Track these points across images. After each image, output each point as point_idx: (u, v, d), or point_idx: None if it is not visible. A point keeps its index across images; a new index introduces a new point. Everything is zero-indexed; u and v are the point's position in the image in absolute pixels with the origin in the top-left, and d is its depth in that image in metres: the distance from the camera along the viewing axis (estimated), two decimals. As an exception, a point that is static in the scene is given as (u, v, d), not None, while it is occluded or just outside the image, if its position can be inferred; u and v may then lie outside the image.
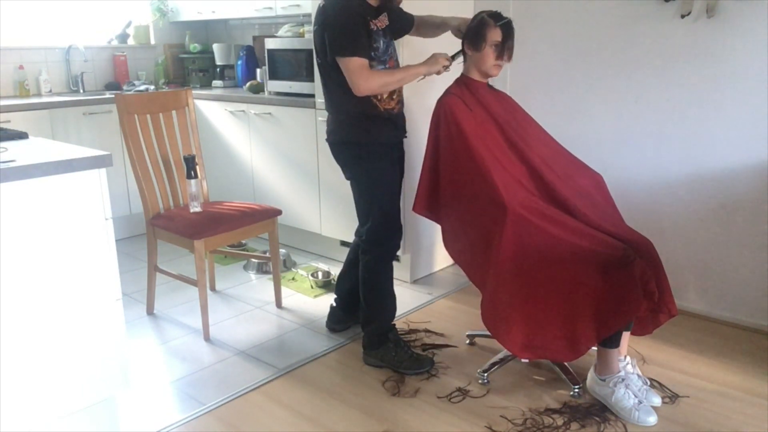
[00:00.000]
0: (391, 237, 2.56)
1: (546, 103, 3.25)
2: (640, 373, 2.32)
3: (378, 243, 2.54)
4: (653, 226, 2.95)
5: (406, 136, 2.66)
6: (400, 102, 2.55)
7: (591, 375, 2.32)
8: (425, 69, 2.41)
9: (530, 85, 3.31)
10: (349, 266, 2.80)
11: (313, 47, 3.41)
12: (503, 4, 3.24)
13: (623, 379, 2.24)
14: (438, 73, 2.44)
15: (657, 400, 2.26)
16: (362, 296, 2.60)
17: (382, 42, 2.41)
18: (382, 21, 2.44)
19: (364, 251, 2.57)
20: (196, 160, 2.93)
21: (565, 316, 2.15)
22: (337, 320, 2.87)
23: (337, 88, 2.40)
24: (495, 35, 2.33)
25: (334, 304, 2.88)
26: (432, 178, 2.48)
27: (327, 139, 2.58)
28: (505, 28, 2.34)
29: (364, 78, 2.28)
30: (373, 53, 2.37)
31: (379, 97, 2.42)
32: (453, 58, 2.45)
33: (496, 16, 2.36)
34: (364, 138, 2.46)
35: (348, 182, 2.63)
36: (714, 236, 2.87)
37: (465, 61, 2.46)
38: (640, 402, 2.20)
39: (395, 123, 2.53)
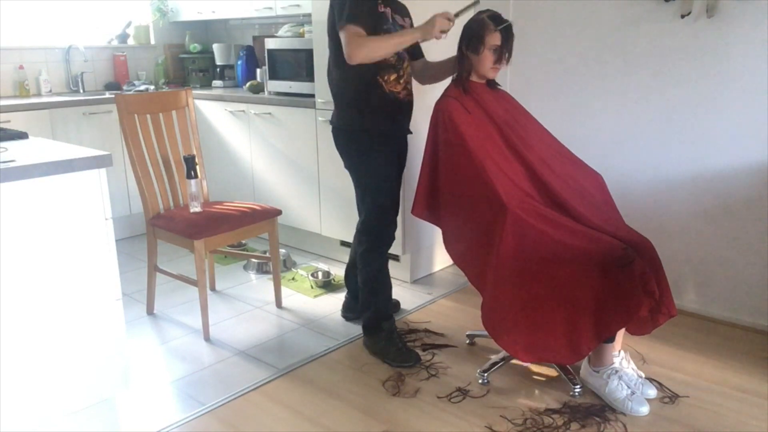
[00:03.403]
0: (384, 228, 2.61)
1: (546, 103, 3.25)
2: (634, 367, 2.35)
3: (371, 234, 2.61)
4: (653, 226, 2.96)
5: (410, 132, 2.66)
6: (407, 89, 2.54)
7: (584, 366, 2.35)
8: (420, 35, 2.30)
9: (530, 85, 3.31)
10: (354, 257, 2.87)
11: (313, 47, 3.47)
12: (503, 4, 3.24)
13: (617, 371, 2.27)
14: (437, 38, 2.29)
15: (652, 392, 2.29)
16: (359, 283, 2.70)
17: (393, 30, 2.41)
18: (406, 22, 2.51)
19: (359, 241, 2.66)
20: (196, 160, 2.93)
21: (565, 318, 2.15)
22: (349, 308, 2.99)
23: (343, 66, 2.38)
24: (494, 39, 2.32)
25: (347, 295, 2.99)
26: (431, 181, 2.48)
27: (330, 121, 2.63)
28: (505, 33, 2.33)
29: (356, 44, 2.23)
30: (385, 28, 2.38)
31: (385, 77, 2.43)
32: (457, 14, 2.33)
33: (496, 19, 2.33)
34: (361, 124, 2.48)
35: (348, 177, 2.66)
36: (714, 236, 2.87)
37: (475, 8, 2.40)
38: (632, 393, 2.24)
39: (400, 109, 2.53)
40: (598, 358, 2.30)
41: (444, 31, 2.29)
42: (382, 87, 2.44)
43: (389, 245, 2.67)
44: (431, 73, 2.65)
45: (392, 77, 2.45)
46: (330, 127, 2.65)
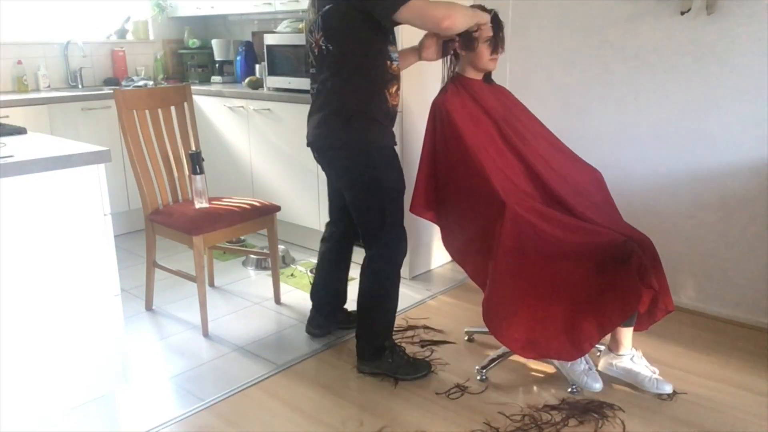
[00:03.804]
0: (402, 251, 2.42)
1: (545, 100, 3.24)
2: (647, 363, 2.36)
3: (390, 260, 2.39)
4: (652, 223, 2.96)
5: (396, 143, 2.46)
6: (399, 100, 2.36)
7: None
8: (483, 19, 2.24)
9: (530, 82, 3.31)
10: (324, 270, 2.70)
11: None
12: (503, 3, 3.24)
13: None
14: (476, 32, 2.26)
15: (668, 388, 2.29)
16: (363, 311, 2.46)
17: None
18: None
19: (375, 271, 2.40)
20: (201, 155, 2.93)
21: (566, 313, 2.15)
22: (317, 325, 2.76)
23: (350, 79, 2.18)
24: (486, 32, 2.33)
25: (313, 311, 2.77)
26: (430, 179, 2.48)
27: (317, 144, 2.33)
28: (495, 23, 2.34)
29: (447, 8, 2.02)
30: (391, 36, 2.24)
31: (390, 90, 2.24)
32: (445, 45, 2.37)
33: None
34: (371, 141, 2.25)
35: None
36: (713, 233, 2.87)
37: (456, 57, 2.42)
38: (589, 368, 2.33)
39: (394, 122, 2.34)
40: (618, 343, 2.35)
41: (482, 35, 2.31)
42: (387, 101, 2.24)
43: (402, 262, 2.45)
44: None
45: (394, 89, 2.25)
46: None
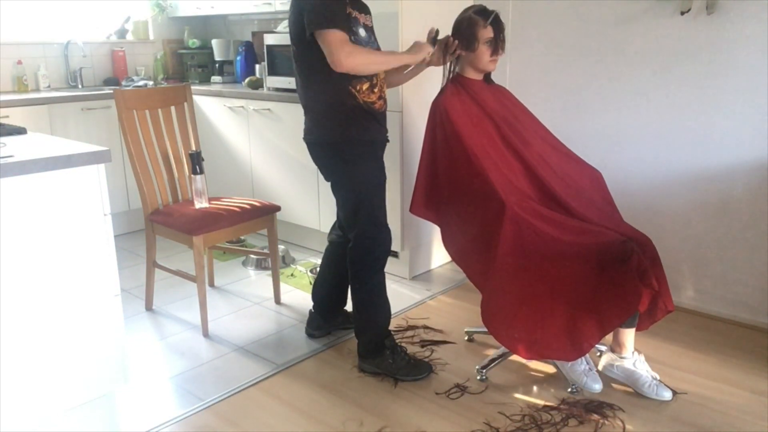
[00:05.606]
0: (381, 242, 2.42)
1: (545, 101, 3.25)
2: (648, 368, 2.34)
3: (368, 250, 2.41)
4: (652, 223, 2.96)
5: (389, 140, 2.49)
6: (383, 98, 2.37)
7: None
8: (410, 58, 2.31)
9: (530, 83, 3.31)
10: (325, 271, 2.73)
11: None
12: (503, 3, 3.24)
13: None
14: (423, 61, 2.38)
15: (668, 394, 2.27)
16: (354, 305, 2.49)
17: (362, 32, 2.28)
18: (368, 19, 2.35)
19: (353, 261, 2.43)
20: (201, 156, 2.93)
21: (565, 314, 2.15)
22: (316, 326, 2.78)
23: (311, 77, 2.29)
24: (487, 33, 2.33)
25: (313, 310, 2.80)
26: (429, 179, 2.48)
27: (303, 138, 2.43)
28: (495, 24, 2.34)
29: (345, 52, 2.10)
30: (353, 37, 2.21)
31: (358, 87, 2.26)
32: (434, 41, 2.38)
33: (483, 13, 2.34)
34: (343, 136, 2.30)
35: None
36: (713, 233, 2.87)
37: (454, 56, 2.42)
38: (590, 369, 2.33)
39: (377, 119, 2.35)
40: (620, 345, 2.35)
41: (430, 54, 2.37)
42: (356, 97, 2.26)
43: (386, 259, 2.46)
44: (392, 78, 2.52)
45: (365, 86, 2.27)
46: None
